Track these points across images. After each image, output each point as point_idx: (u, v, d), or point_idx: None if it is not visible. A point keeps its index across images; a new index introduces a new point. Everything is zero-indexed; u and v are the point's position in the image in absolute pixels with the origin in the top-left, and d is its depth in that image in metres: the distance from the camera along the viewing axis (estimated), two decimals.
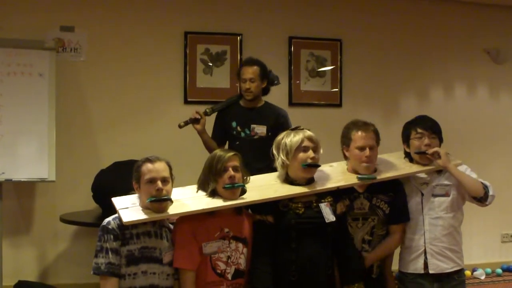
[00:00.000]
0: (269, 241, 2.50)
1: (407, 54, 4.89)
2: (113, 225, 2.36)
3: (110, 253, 2.31)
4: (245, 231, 2.55)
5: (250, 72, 3.54)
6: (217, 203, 2.48)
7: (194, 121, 3.55)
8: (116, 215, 2.41)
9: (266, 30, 4.59)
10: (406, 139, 2.89)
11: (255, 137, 3.53)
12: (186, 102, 4.38)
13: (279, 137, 2.66)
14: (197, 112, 3.56)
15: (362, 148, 2.69)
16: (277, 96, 4.55)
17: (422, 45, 4.92)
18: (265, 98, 3.66)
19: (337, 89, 4.73)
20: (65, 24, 4.21)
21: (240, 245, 2.51)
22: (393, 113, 4.76)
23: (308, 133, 2.60)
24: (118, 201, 2.49)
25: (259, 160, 3.12)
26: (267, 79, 3.63)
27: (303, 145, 2.55)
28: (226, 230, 2.48)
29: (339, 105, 4.72)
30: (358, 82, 4.76)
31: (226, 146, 3.61)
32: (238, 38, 4.51)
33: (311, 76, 4.68)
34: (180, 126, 3.54)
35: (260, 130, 3.54)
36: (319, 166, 2.61)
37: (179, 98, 4.39)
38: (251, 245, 2.55)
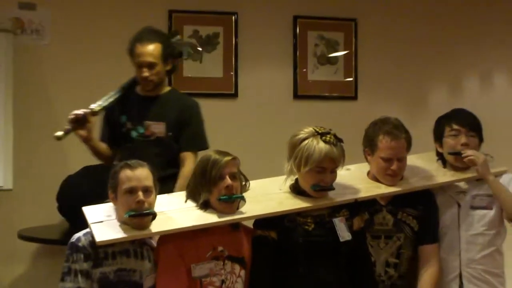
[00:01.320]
0: (271, 261, 2.49)
1: (436, 37, 4.88)
2: (83, 242, 2.35)
3: (79, 276, 2.31)
4: (242, 249, 2.54)
5: (147, 53, 3.00)
6: (210, 218, 2.47)
7: (76, 124, 2.93)
8: (88, 230, 2.40)
9: (266, 8, 4.59)
10: (439, 137, 2.88)
11: (152, 138, 3.12)
12: None
13: (299, 135, 2.54)
14: (76, 114, 2.91)
15: (388, 160, 2.65)
16: (279, 88, 4.56)
17: (455, 26, 4.91)
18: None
19: (351, 79, 4.74)
20: (25, 1, 4.21)
21: (237, 266, 2.51)
22: (419, 108, 4.77)
23: (333, 150, 2.45)
24: (89, 212, 2.48)
25: (159, 169, 2.61)
26: (173, 56, 3.15)
27: (322, 165, 2.47)
28: (220, 248, 2.48)
29: (354, 97, 4.74)
30: (377, 70, 4.77)
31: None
32: (233, 18, 4.52)
33: (320, 63, 4.69)
34: (59, 138, 2.93)
35: (157, 128, 3.10)
36: (332, 189, 2.55)
37: None
38: (249, 267, 2.54)
